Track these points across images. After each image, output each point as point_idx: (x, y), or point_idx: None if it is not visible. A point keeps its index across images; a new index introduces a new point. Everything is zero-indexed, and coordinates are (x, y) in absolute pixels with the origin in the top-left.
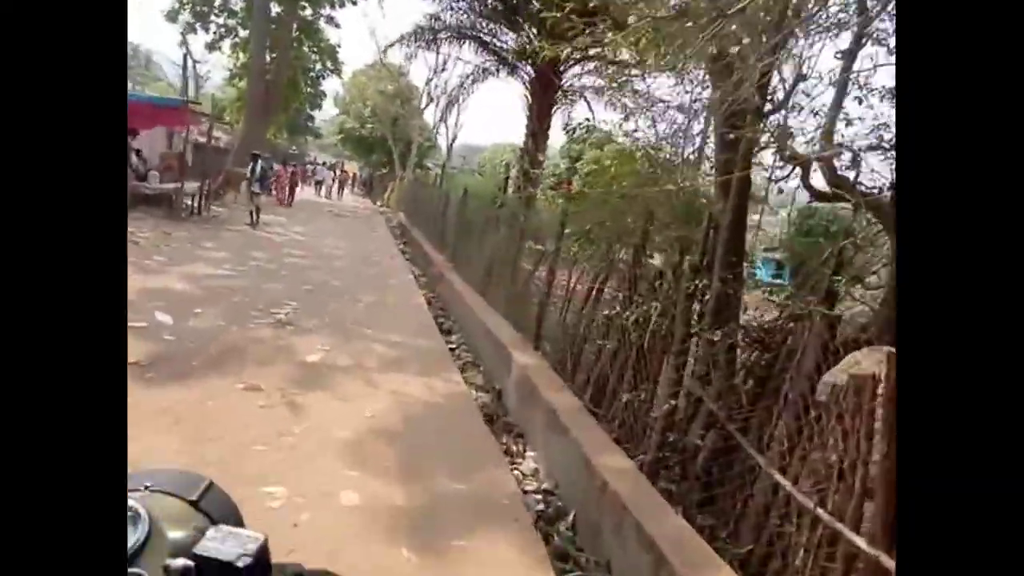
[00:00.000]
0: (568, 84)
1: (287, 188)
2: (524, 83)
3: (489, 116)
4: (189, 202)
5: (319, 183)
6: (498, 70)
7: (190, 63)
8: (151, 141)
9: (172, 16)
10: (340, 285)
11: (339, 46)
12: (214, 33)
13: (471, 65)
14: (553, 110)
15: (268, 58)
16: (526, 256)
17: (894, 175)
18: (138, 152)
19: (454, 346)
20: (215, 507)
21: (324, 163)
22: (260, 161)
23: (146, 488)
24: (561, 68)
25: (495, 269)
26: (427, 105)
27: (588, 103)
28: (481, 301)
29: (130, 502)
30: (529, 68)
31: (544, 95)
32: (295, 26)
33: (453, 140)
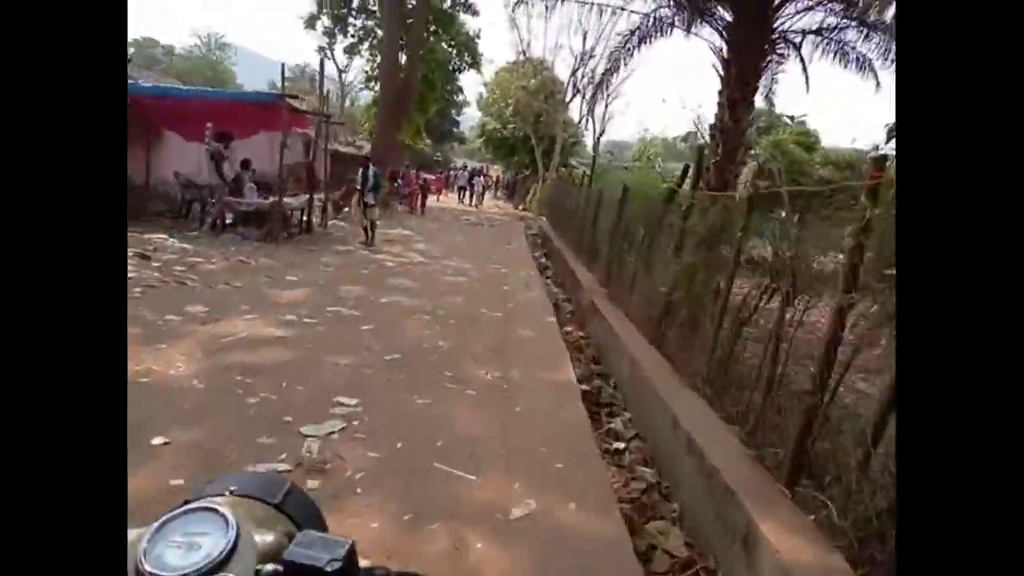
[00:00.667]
0: (783, 29)
1: (418, 195)
2: (720, 32)
3: (635, 111)
4: (304, 217)
5: (461, 189)
6: (673, 22)
7: (334, 71)
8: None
9: (311, 23)
10: (445, 348)
11: (478, 36)
12: (352, 36)
13: (636, 18)
14: (762, 68)
15: (403, 58)
16: (734, 293)
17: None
18: (245, 163)
19: (622, 446)
20: (298, 510)
21: (465, 166)
22: (371, 168)
23: (230, 493)
24: (776, 4)
25: (682, 307)
26: (572, 98)
27: (802, 57)
28: (657, 359)
29: (217, 507)
30: (726, 11)
31: (749, 47)
32: (430, 18)
33: (600, 134)
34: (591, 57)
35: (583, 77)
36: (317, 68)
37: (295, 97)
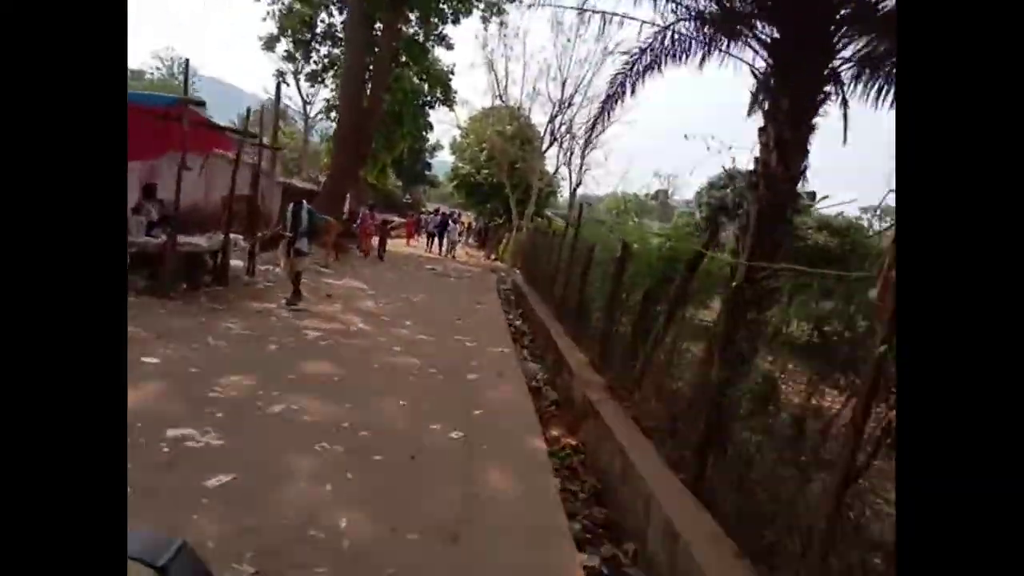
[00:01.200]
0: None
1: (373, 238)
2: (763, 56)
3: (612, 164)
4: (218, 262)
5: (431, 236)
6: (690, 44)
7: (299, 102)
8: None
9: (269, 44)
10: (351, 539)
11: (452, 72)
12: (315, 63)
13: (647, 31)
14: (818, 102)
15: (369, 89)
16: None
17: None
18: (148, 189)
19: None
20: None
21: (437, 210)
22: (304, 207)
23: None
24: (837, 24)
25: (748, 444)
26: (549, 146)
27: (845, 99)
28: (709, 527)
29: None
30: (771, 28)
31: (802, 75)
32: (395, 45)
33: (577, 185)
34: (569, 105)
35: (561, 125)
36: (287, 99)
37: (201, 104)
